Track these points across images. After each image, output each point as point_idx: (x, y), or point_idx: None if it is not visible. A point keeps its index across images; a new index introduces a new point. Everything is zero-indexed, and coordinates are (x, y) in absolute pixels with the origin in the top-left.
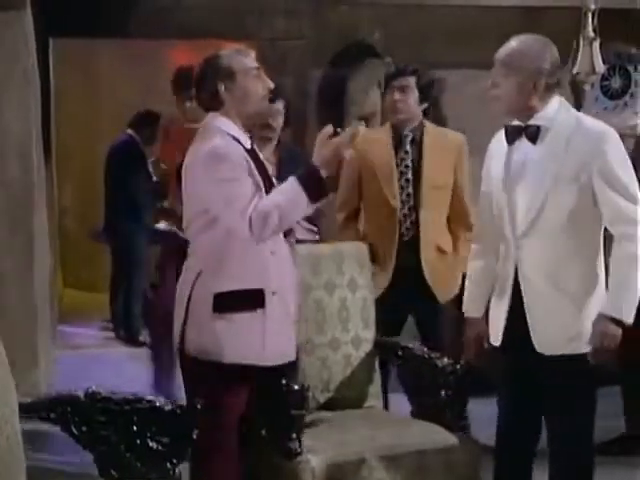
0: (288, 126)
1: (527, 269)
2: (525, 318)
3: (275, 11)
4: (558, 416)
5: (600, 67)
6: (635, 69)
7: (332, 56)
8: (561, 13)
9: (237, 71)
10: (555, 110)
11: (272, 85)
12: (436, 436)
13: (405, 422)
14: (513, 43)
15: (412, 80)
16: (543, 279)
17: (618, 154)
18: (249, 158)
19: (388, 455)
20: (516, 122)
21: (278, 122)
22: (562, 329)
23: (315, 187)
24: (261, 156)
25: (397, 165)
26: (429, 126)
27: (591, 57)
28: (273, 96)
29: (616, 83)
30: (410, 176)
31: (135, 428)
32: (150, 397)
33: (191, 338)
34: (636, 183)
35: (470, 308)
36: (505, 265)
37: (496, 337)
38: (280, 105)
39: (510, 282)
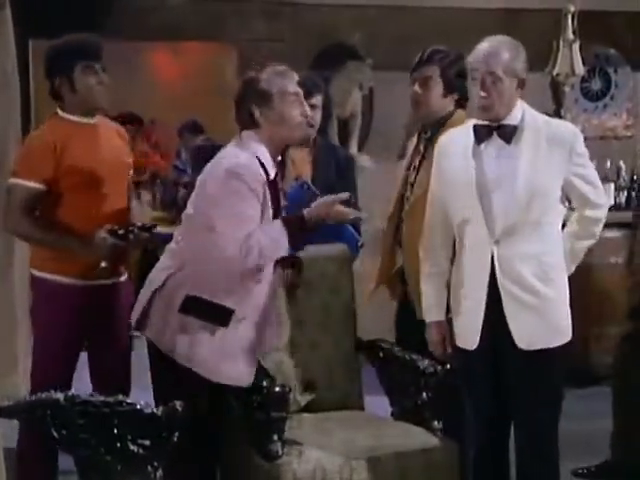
0: (327, 122)
1: (506, 266)
2: (502, 317)
3: (256, 13)
4: (527, 410)
5: (580, 69)
6: (615, 71)
7: (313, 58)
8: (541, 15)
9: (274, 95)
10: (522, 110)
11: (310, 112)
12: (417, 437)
13: (386, 424)
14: (492, 49)
15: (435, 70)
16: (521, 274)
17: (586, 152)
18: (266, 188)
19: (369, 457)
20: (485, 122)
21: (316, 119)
22: (542, 323)
23: (298, 234)
24: (280, 188)
25: (408, 167)
26: (457, 120)
27: (571, 59)
28: (311, 90)
29: (596, 85)
30: (413, 179)
31: (115, 431)
32: (130, 400)
33: (154, 326)
34: (593, 168)
35: (432, 312)
36: (477, 265)
37: (472, 340)
38: (318, 100)
39: (485, 282)
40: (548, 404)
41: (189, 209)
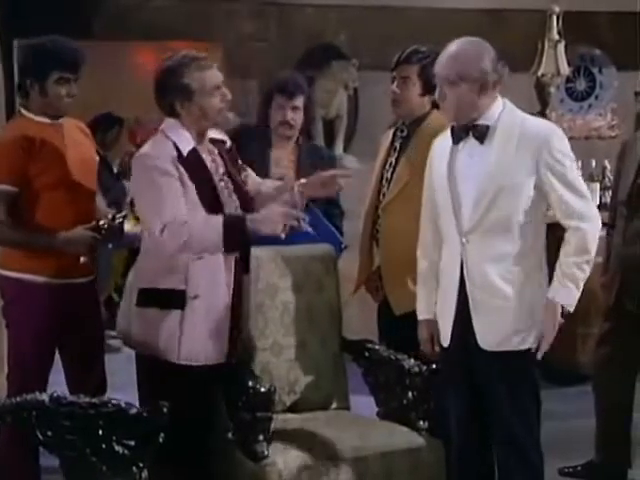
0: (309, 123)
1: (472, 266)
2: (470, 315)
3: (242, 13)
4: (501, 414)
5: (565, 69)
6: (600, 71)
7: (298, 58)
8: (526, 16)
9: (195, 90)
10: (500, 110)
11: (230, 96)
12: (402, 437)
13: (371, 424)
14: (449, 54)
15: (414, 70)
16: (488, 276)
17: (565, 151)
18: (180, 166)
19: (354, 457)
20: (462, 121)
21: (298, 120)
22: (505, 325)
23: (234, 238)
24: (205, 158)
25: (384, 164)
26: (433, 120)
27: (556, 59)
28: (293, 91)
29: (581, 85)
30: (389, 175)
31: (101, 432)
32: (115, 401)
33: (122, 327)
34: (581, 178)
35: (422, 309)
36: (450, 263)
37: (445, 336)
38: (300, 102)
39: (456, 280)
40: (519, 406)
41: None
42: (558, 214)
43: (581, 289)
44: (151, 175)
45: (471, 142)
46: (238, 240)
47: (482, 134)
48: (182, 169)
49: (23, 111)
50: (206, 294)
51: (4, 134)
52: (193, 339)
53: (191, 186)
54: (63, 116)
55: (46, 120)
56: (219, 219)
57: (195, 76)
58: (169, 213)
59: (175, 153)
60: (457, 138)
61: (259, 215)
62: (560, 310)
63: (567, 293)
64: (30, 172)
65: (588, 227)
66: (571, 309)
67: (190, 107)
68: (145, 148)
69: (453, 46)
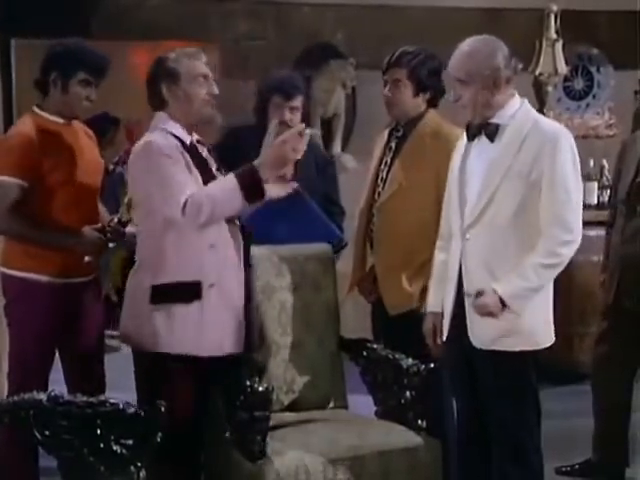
0: (308, 122)
1: (470, 262)
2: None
3: (239, 12)
4: (498, 413)
5: (562, 68)
6: (597, 70)
7: (296, 57)
8: (524, 15)
9: (181, 74)
10: (515, 109)
11: (217, 91)
12: (400, 437)
13: (369, 423)
14: (461, 54)
15: (404, 72)
16: (483, 273)
17: (568, 156)
18: (186, 153)
19: (352, 456)
20: (477, 119)
21: (296, 120)
22: (497, 324)
23: (252, 188)
24: (203, 153)
25: (380, 164)
26: (429, 119)
27: (554, 58)
28: (291, 92)
29: (579, 84)
30: (384, 175)
31: (98, 432)
32: (113, 400)
33: (130, 330)
34: (580, 190)
35: (430, 302)
36: (452, 258)
37: (444, 332)
38: (298, 102)
39: (455, 275)
40: (516, 407)
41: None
42: (542, 219)
43: (528, 294)
44: (158, 160)
45: (483, 140)
46: (256, 189)
47: (492, 133)
48: (187, 156)
49: (37, 109)
50: (220, 283)
51: (16, 129)
52: (215, 329)
53: (196, 173)
54: (76, 118)
55: (59, 120)
56: (230, 177)
57: (182, 62)
58: (185, 190)
59: (178, 142)
60: (471, 135)
61: (266, 156)
62: (497, 301)
63: (510, 288)
64: (43, 168)
65: (565, 237)
66: (511, 306)
67: (177, 92)
68: (146, 137)
69: (465, 45)
